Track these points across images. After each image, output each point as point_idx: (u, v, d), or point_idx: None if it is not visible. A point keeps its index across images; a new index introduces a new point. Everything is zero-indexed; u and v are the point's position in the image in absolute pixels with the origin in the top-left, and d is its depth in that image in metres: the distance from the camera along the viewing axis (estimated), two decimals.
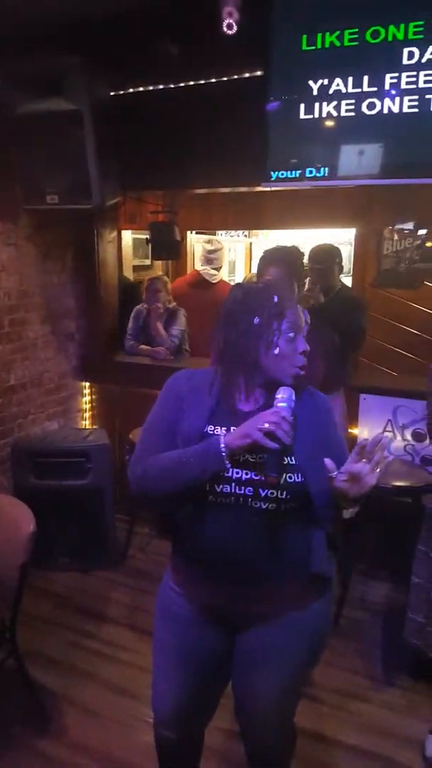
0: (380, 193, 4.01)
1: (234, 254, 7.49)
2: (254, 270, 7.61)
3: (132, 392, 3.50)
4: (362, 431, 3.09)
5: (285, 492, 1.29)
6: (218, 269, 4.05)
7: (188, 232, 5.21)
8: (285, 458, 1.25)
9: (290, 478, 1.29)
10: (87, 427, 3.82)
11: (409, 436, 2.99)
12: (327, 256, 3.31)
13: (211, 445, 1.26)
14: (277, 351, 1.32)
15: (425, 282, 4.04)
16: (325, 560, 1.41)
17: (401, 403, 2.96)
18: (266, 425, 1.20)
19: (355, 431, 3.09)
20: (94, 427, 3.81)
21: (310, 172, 2.46)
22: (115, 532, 3.25)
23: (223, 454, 1.24)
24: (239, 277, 6.88)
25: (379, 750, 2.08)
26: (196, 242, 5.51)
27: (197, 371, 1.45)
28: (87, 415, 3.85)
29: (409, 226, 4.14)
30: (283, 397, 1.27)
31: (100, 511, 3.13)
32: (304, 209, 4.27)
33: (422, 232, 4.08)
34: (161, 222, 4.35)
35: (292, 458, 1.29)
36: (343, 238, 5.00)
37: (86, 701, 2.28)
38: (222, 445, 1.25)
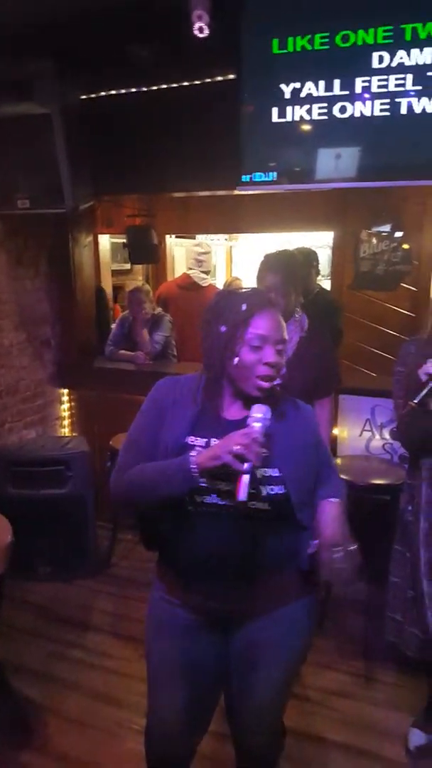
0: (357, 197, 4.06)
1: (214, 258, 7.50)
2: (235, 273, 7.66)
3: (112, 398, 3.48)
4: (342, 431, 3.12)
5: (267, 503, 1.30)
6: (207, 272, 4.06)
7: (167, 236, 5.21)
8: (257, 476, 1.26)
9: (272, 490, 1.30)
10: (67, 434, 3.78)
11: (387, 435, 3.02)
12: (303, 259, 3.35)
13: (183, 464, 1.26)
14: (236, 361, 1.30)
15: (402, 284, 4.10)
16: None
17: (379, 403, 2.99)
18: (236, 447, 1.20)
19: (335, 431, 3.11)
20: (74, 434, 3.78)
21: (286, 175, 2.48)
22: (96, 540, 3.22)
23: (194, 474, 1.25)
24: (220, 280, 6.90)
25: (364, 745, 2.09)
26: (176, 246, 5.51)
27: (182, 378, 1.44)
28: (66, 422, 3.81)
29: (386, 228, 4.20)
30: (257, 417, 1.26)
31: (82, 519, 3.10)
32: (283, 213, 4.30)
33: (398, 234, 4.14)
34: (138, 226, 4.35)
35: (275, 470, 1.30)
36: (322, 241, 5.06)
37: (69, 711, 2.25)
38: (192, 466, 1.25)
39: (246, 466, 1.20)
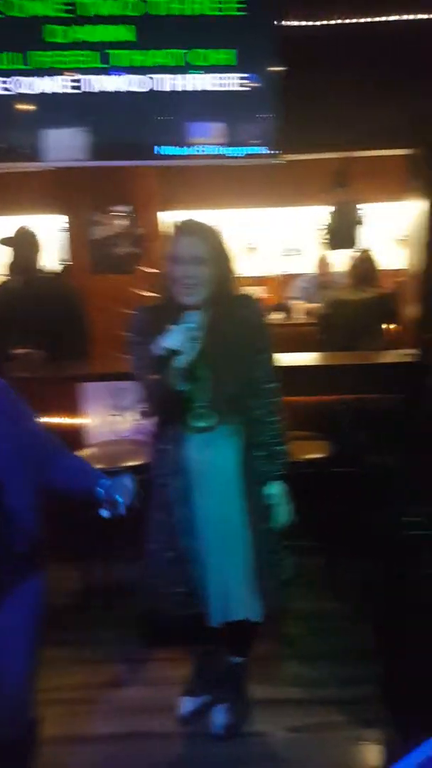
0: (85, 178, 3.95)
1: None
2: None
3: None
4: (93, 419, 3.05)
5: None
6: None
7: None
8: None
9: None
10: None
11: (134, 416, 3.03)
12: (19, 239, 3.11)
13: None
14: None
15: (138, 266, 4.15)
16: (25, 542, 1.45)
17: (122, 386, 2.98)
18: None
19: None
20: None
21: None
22: None
23: None
24: None
25: (136, 728, 2.09)
26: None
27: None
28: None
29: (123, 209, 4.18)
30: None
31: None
32: (14, 195, 4.02)
33: (130, 216, 4.15)
34: None
35: None
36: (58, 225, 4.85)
37: None
38: None
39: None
